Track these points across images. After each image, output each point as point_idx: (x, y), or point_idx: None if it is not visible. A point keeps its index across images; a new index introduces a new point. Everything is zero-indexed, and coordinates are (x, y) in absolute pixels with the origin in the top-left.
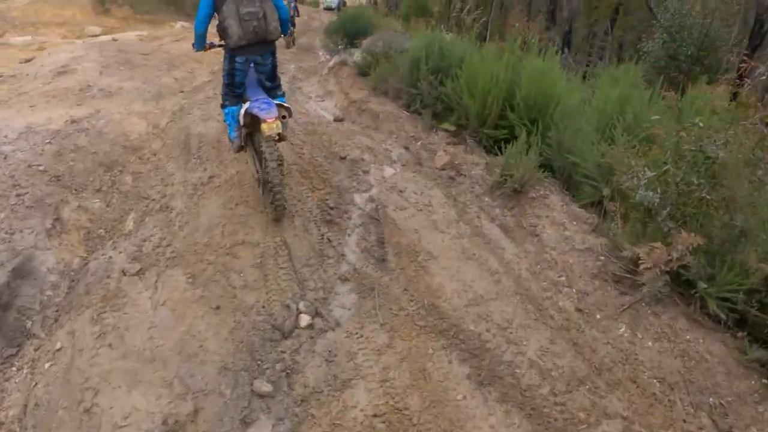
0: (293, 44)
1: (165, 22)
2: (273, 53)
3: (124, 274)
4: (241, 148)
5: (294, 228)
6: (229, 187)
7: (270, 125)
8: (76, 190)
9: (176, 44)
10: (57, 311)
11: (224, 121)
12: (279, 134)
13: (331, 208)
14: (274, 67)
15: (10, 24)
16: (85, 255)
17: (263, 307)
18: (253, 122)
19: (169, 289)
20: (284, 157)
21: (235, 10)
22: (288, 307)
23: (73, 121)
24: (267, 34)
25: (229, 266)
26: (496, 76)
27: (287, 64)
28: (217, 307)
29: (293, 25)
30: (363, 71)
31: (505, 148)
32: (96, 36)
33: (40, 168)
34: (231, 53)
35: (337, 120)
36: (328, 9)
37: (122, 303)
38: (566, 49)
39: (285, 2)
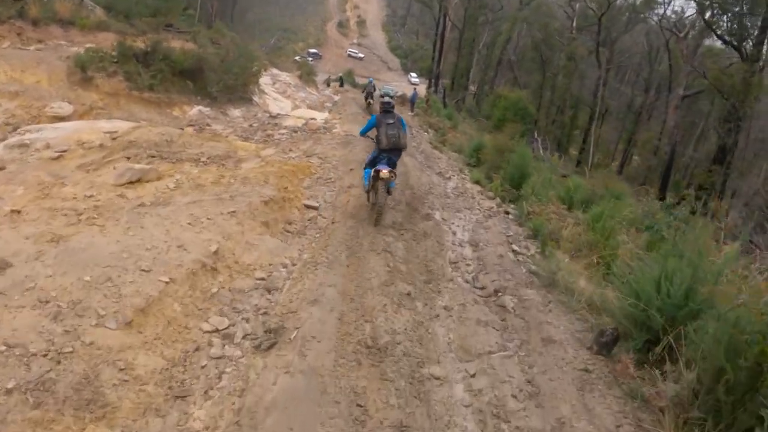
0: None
1: (175, 103)
2: (400, 152)
3: None
4: (369, 191)
5: None
6: None
7: (384, 173)
8: None
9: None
10: None
11: (363, 176)
12: (387, 179)
13: None
14: (397, 160)
15: None
16: None
17: None
18: (376, 175)
19: None
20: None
21: (385, 131)
22: None
23: None
24: (399, 145)
25: None
26: None
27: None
28: None
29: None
30: None
31: None
32: (62, 119)
33: None
34: (379, 151)
35: None
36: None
37: None
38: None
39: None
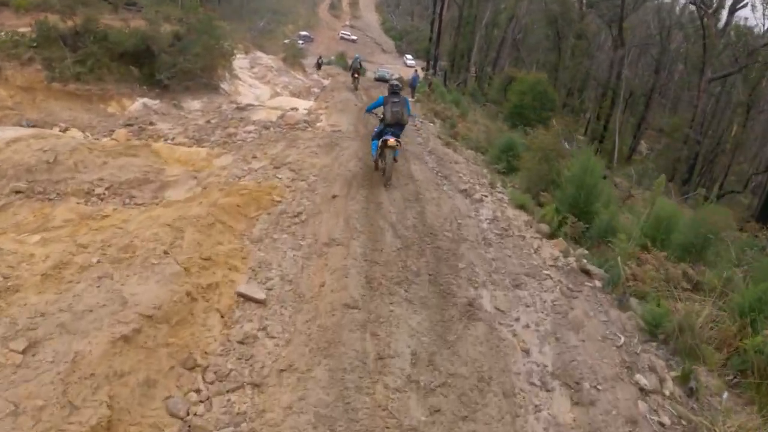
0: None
1: (112, 96)
2: (402, 127)
3: None
4: (376, 160)
5: None
6: None
7: (390, 141)
8: None
9: None
10: None
11: (371, 146)
12: (393, 147)
13: None
14: (401, 132)
15: None
16: None
17: None
18: (383, 144)
19: None
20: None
21: (390, 108)
22: None
23: None
24: (402, 121)
25: None
26: None
27: None
28: None
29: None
30: None
31: None
32: None
33: None
34: (385, 126)
35: None
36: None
37: None
38: None
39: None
